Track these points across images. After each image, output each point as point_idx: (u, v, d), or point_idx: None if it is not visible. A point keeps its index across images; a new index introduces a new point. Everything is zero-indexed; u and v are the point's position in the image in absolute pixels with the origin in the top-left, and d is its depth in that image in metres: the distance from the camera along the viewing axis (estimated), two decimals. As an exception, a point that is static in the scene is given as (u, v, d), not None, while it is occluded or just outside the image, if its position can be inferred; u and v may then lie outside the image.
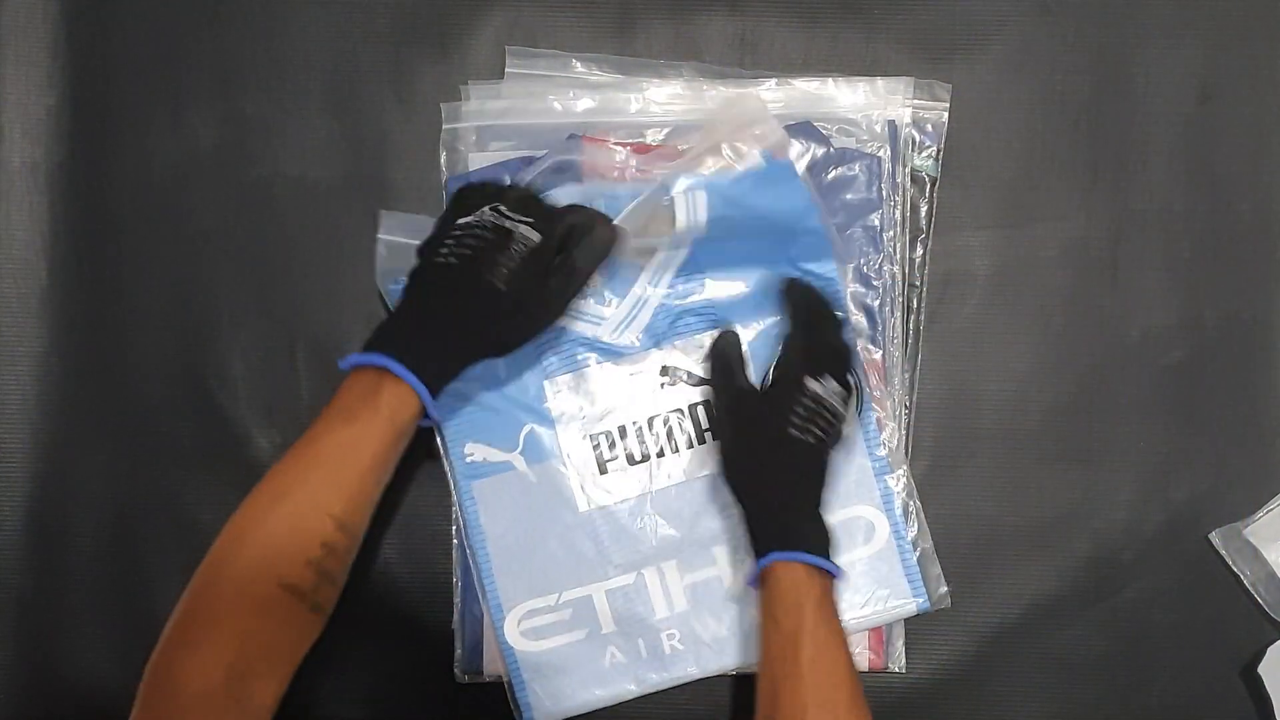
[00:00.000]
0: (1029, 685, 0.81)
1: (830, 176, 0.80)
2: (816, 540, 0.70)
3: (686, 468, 0.79)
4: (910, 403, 0.81)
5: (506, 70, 0.81)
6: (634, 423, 0.79)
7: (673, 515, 0.79)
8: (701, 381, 0.79)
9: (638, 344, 0.79)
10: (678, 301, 0.79)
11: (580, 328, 0.79)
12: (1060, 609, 0.81)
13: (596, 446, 0.79)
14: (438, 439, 0.79)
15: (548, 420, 0.79)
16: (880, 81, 0.81)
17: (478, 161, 0.81)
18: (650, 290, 0.79)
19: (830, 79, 0.81)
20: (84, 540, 0.81)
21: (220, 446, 0.82)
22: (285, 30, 0.82)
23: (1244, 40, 0.82)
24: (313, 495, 0.65)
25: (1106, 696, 0.81)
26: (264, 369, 0.82)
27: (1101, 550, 0.81)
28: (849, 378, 0.73)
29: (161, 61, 0.82)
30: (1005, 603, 0.81)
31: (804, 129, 0.80)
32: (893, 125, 0.80)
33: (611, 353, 0.79)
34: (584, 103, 0.80)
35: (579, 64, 0.81)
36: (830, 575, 0.70)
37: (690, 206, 0.77)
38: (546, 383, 0.79)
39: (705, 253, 0.79)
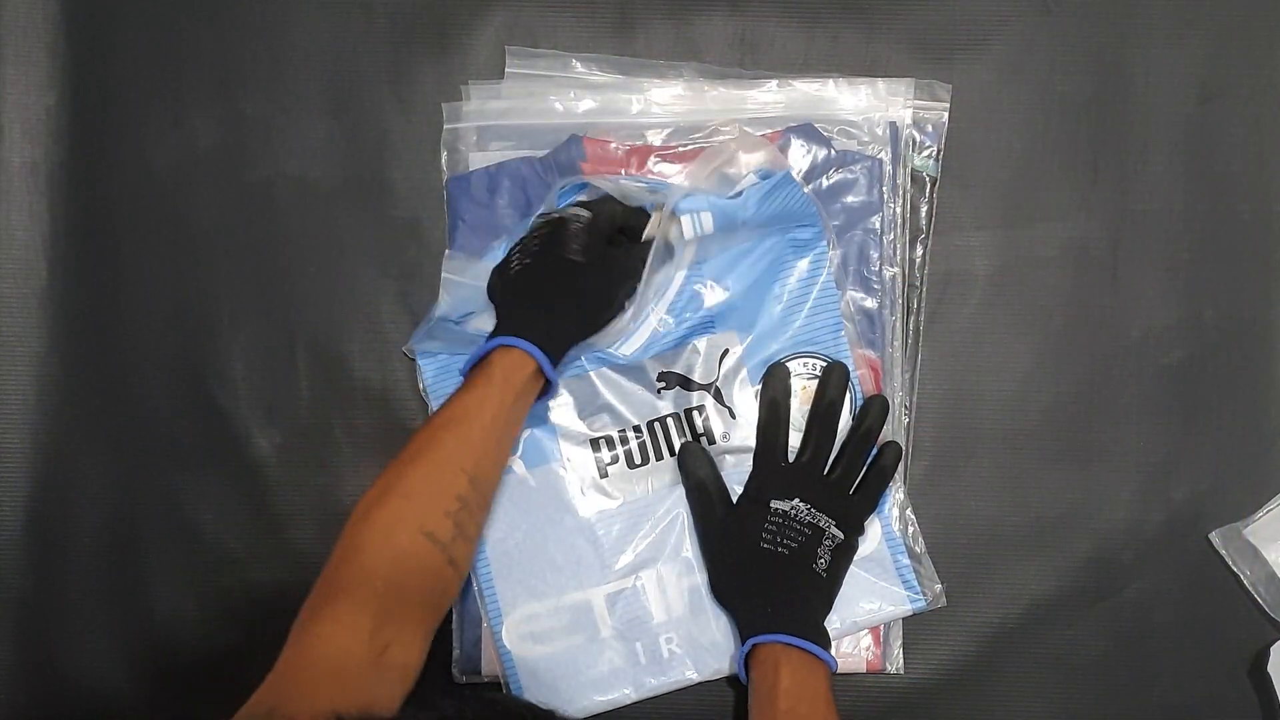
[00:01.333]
0: (1029, 685, 0.81)
1: (831, 179, 0.80)
2: (799, 628, 0.73)
3: None
4: (910, 403, 0.81)
5: (507, 70, 0.81)
6: (634, 427, 0.80)
7: (671, 519, 0.79)
8: (699, 387, 0.80)
9: (638, 354, 0.80)
10: (680, 319, 0.80)
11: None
12: (1060, 609, 0.81)
13: (596, 451, 0.79)
14: None
15: (547, 425, 0.79)
16: (881, 83, 0.81)
17: (478, 161, 0.81)
18: (653, 309, 0.79)
19: (831, 80, 0.81)
20: (84, 540, 0.82)
21: (220, 446, 0.82)
22: (285, 30, 0.82)
23: (1244, 40, 0.82)
24: (445, 452, 0.69)
25: (1106, 696, 0.81)
26: (264, 369, 0.82)
27: (1101, 550, 0.81)
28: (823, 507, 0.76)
29: (161, 61, 0.82)
30: (1005, 603, 0.81)
31: (805, 131, 0.80)
32: (894, 127, 0.80)
33: (610, 359, 0.79)
34: (585, 103, 0.80)
35: (579, 64, 0.81)
36: (818, 658, 0.72)
37: (696, 225, 0.77)
38: None
39: (709, 265, 0.80)
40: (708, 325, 0.80)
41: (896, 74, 0.81)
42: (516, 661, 0.78)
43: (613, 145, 0.80)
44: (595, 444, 0.80)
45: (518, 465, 0.79)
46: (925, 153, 0.81)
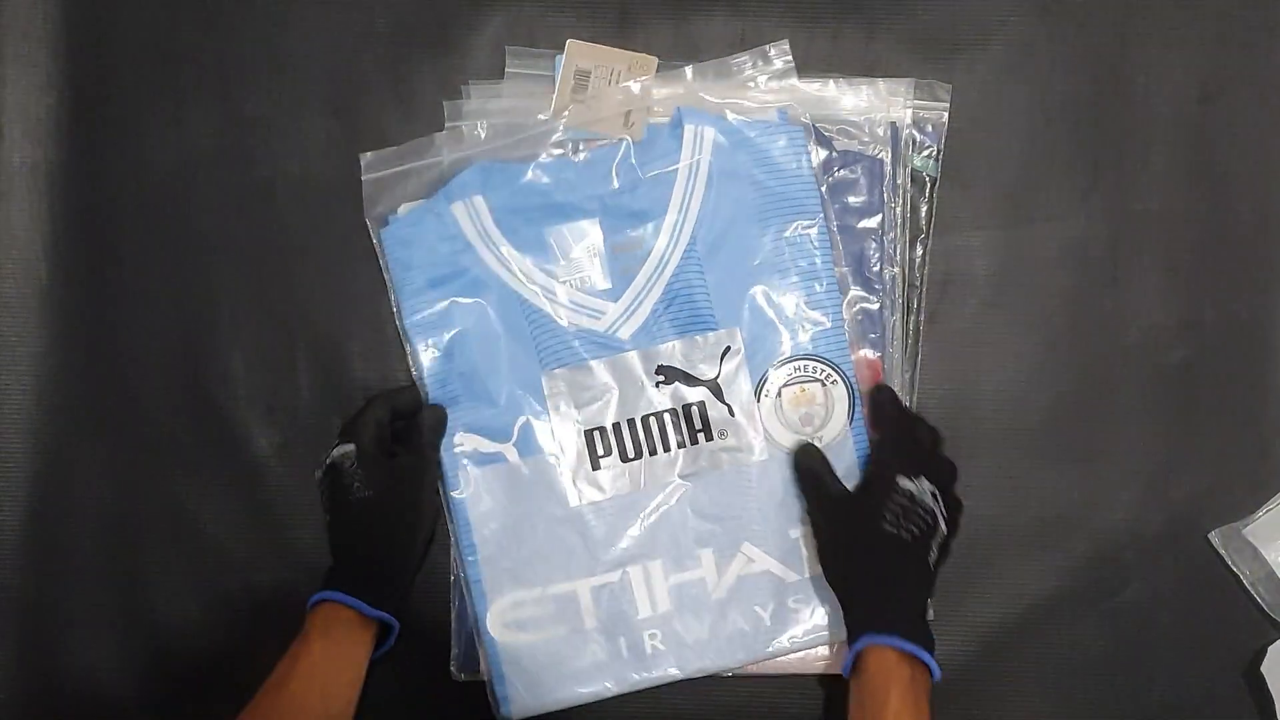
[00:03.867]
0: (1029, 685, 0.81)
1: (832, 179, 0.80)
2: (912, 630, 0.70)
3: (679, 467, 0.79)
4: (910, 403, 0.81)
5: (506, 70, 0.81)
6: (629, 420, 0.80)
7: (662, 515, 0.79)
8: (699, 383, 0.79)
9: (637, 340, 0.80)
10: (677, 298, 0.79)
11: (580, 321, 0.79)
12: (1060, 609, 0.81)
13: (590, 442, 0.79)
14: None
15: (543, 414, 0.79)
16: (881, 83, 0.81)
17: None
18: (649, 285, 0.79)
19: (831, 80, 0.81)
20: (84, 540, 0.82)
21: (220, 446, 0.82)
22: (285, 30, 0.82)
23: (1244, 40, 0.82)
24: None
25: (1106, 696, 0.81)
26: (264, 369, 0.82)
27: (1101, 550, 0.81)
28: (943, 488, 0.73)
29: (161, 61, 0.82)
30: (1005, 603, 0.81)
31: (807, 131, 0.80)
32: (894, 127, 0.80)
33: (610, 348, 0.79)
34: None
35: (579, 64, 0.81)
36: (924, 666, 0.69)
37: (697, 140, 0.76)
38: (544, 376, 0.79)
39: (704, 242, 0.79)
40: (709, 322, 0.79)
41: (896, 74, 0.81)
42: (500, 649, 0.78)
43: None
44: (589, 435, 0.79)
45: (510, 453, 0.79)
46: (925, 153, 0.81)
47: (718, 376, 0.80)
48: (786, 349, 0.80)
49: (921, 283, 0.81)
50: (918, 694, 0.69)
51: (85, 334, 0.82)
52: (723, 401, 0.79)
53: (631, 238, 0.79)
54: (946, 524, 0.73)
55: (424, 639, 0.80)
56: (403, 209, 0.80)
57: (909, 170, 0.81)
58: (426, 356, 0.80)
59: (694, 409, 0.79)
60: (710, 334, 0.79)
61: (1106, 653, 0.81)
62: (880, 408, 0.78)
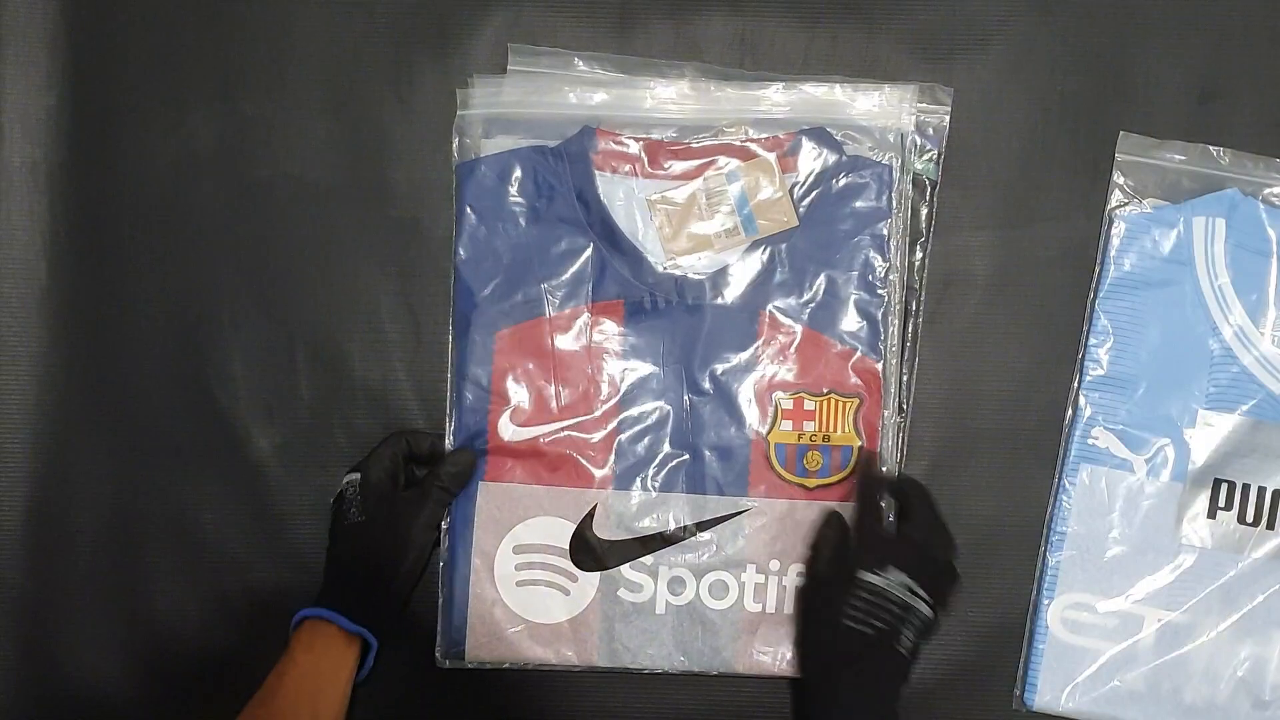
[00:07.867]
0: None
1: (840, 184, 0.80)
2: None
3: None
4: (909, 404, 0.81)
5: (509, 68, 0.81)
6: (1258, 489, 0.79)
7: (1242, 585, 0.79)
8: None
9: None
10: None
11: (1264, 377, 0.79)
12: (1059, 609, 0.81)
13: (1215, 491, 0.79)
14: None
15: (1181, 445, 0.79)
16: (889, 89, 0.80)
17: (489, 149, 0.80)
18: None
19: (837, 84, 0.80)
20: (84, 540, 0.82)
21: (220, 446, 0.82)
22: (285, 30, 0.82)
23: (1244, 40, 0.82)
24: None
25: (1106, 696, 0.81)
26: (264, 369, 0.82)
27: (1101, 550, 0.81)
28: (921, 575, 0.72)
29: (161, 61, 0.82)
30: (1004, 603, 0.81)
31: (818, 134, 0.80)
32: (900, 134, 0.80)
33: None
34: (598, 95, 0.80)
35: (581, 63, 0.81)
36: None
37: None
38: (1200, 412, 0.79)
39: None
40: None
41: (896, 74, 0.81)
42: (1050, 639, 0.79)
43: (625, 138, 0.80)
44: (1217, 484, 0.79)
45: (1140, 467, 0.79)
46: (926, 156, 0.81)
47: None
48: None
49: (921, 285, 0.81)
50: None
51: (85, 334, 0.82)
52: None
53: None
54: (931, 607, 0.72)
55: (409, 625, 0.80)
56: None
57: (910, 174, 0.80)
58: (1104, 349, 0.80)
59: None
60: None
61: (1106, 652, 0.81)
62: (858, 490, 0.79)
